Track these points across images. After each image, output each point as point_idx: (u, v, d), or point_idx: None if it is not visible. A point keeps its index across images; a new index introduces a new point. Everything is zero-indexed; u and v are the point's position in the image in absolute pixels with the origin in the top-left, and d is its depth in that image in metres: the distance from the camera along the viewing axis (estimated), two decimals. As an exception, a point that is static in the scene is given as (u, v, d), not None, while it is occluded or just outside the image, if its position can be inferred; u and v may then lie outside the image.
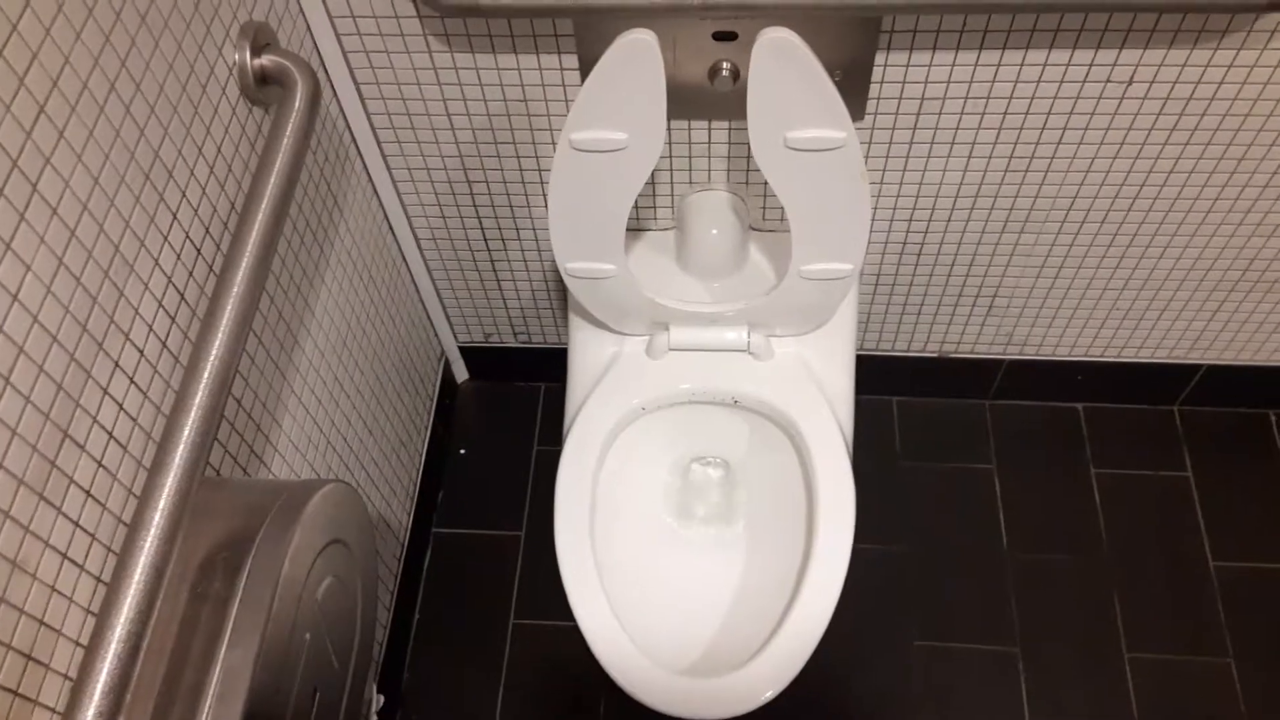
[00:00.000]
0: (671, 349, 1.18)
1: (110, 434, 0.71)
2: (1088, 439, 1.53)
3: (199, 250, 0.83)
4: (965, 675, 1.37)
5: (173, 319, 0.79)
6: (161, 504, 0.66)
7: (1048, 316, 1.38)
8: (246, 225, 0.81)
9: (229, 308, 0.77)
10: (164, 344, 0.78)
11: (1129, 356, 1.45)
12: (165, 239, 0.78)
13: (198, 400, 0.71)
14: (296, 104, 0.88)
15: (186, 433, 0.70)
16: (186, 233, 0.81)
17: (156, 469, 0.68)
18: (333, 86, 1.09)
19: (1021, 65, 1.02)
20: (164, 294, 0.78)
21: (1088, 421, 1.54)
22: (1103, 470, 1.50)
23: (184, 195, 0.81)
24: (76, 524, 0.67)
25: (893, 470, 1.53)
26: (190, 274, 0.82)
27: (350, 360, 1.20)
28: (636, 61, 0.88)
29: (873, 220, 1.24)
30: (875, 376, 1.51)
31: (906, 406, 1.57)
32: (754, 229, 1.26)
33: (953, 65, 1.03)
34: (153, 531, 0.66)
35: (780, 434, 1.18)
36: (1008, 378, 1.51)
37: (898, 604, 1.43)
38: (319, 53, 1.06)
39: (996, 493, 1.50)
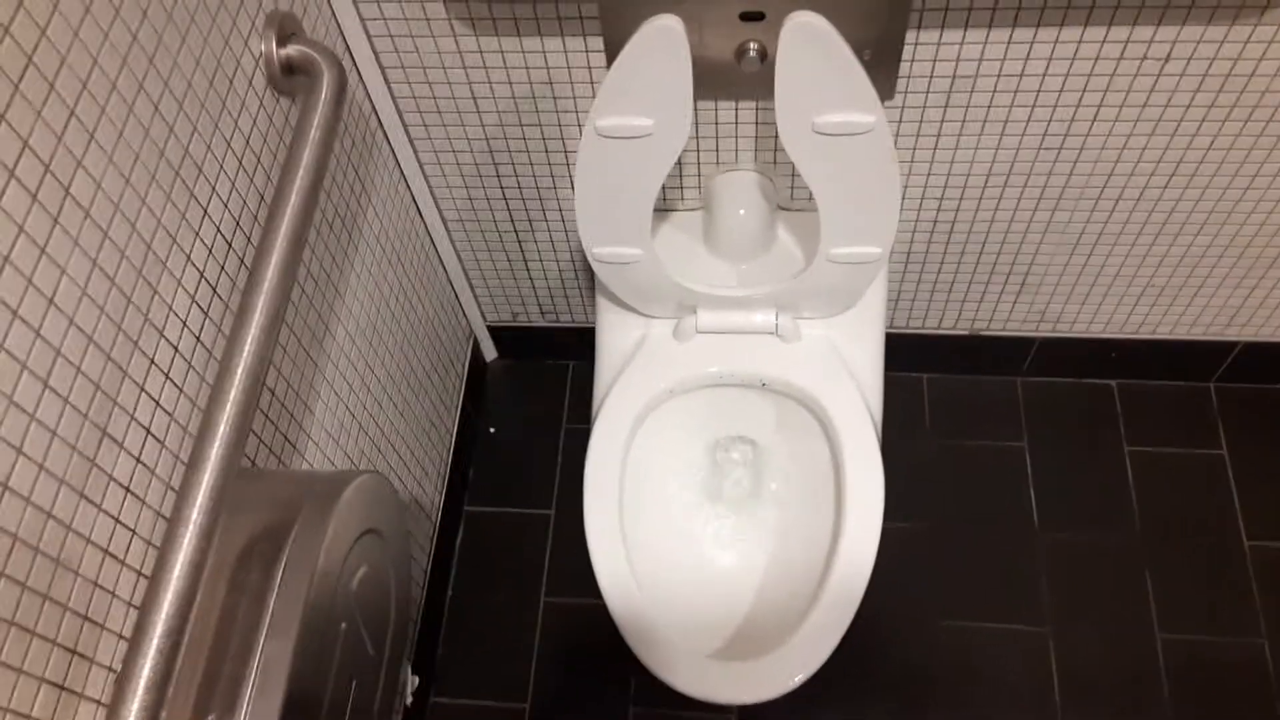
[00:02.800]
0: (699, 332, 1.18)
1: (148, 430, 0.72)
2: (1121, 416, 1.52)
3: (230, 244, 0.84)
4: (994, 655, 1.38)
5: (206, 313, 0.80)
6: (199, 500, 0.68)
7: (1081, 294, 1.37)
8: (276, 217, 0.81)
9: (261, 301, 0.77)
10: (198, 339, 0.79)
11: (1164, 333, 1.43)
12: (197, 234, 0.79)
13: (232, 395, 0.72)
14: (323, 94, 0.88)
15: (222, 429, 0.71)
16: (217, 227, 0.82)
17: (194, 465, 0.69)
18: (359, 73, 1.09)
19: (1056, 42, 1.00)
20: (196, 289, 0.79)
21: (1121, 399, 1.53)
22: (1136, 448, 1.49)
23: (214, 189, 0.81)
24: (117, 520, 0.69)
25: (923, 448, 1.52)
26: (222, 268, 0.83)
27: (380, 344, 1.21)
28: (662, 48, 0.87)
29: (902, 203, 1.22)
30: (906, 354, 1.50)
31: (937, 384, 1.56)
32: (782, 208, 1.25)
33: (985, 43, 1.01)
34: (191, 527, 0.67)
35: (808, 415, 1.18)
36: (1040, 355, 1.49)
37: (927, 582, 1.43)
38: (345, 40, 1.05)
39: (1028, 470, 1.49)
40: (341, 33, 1.05)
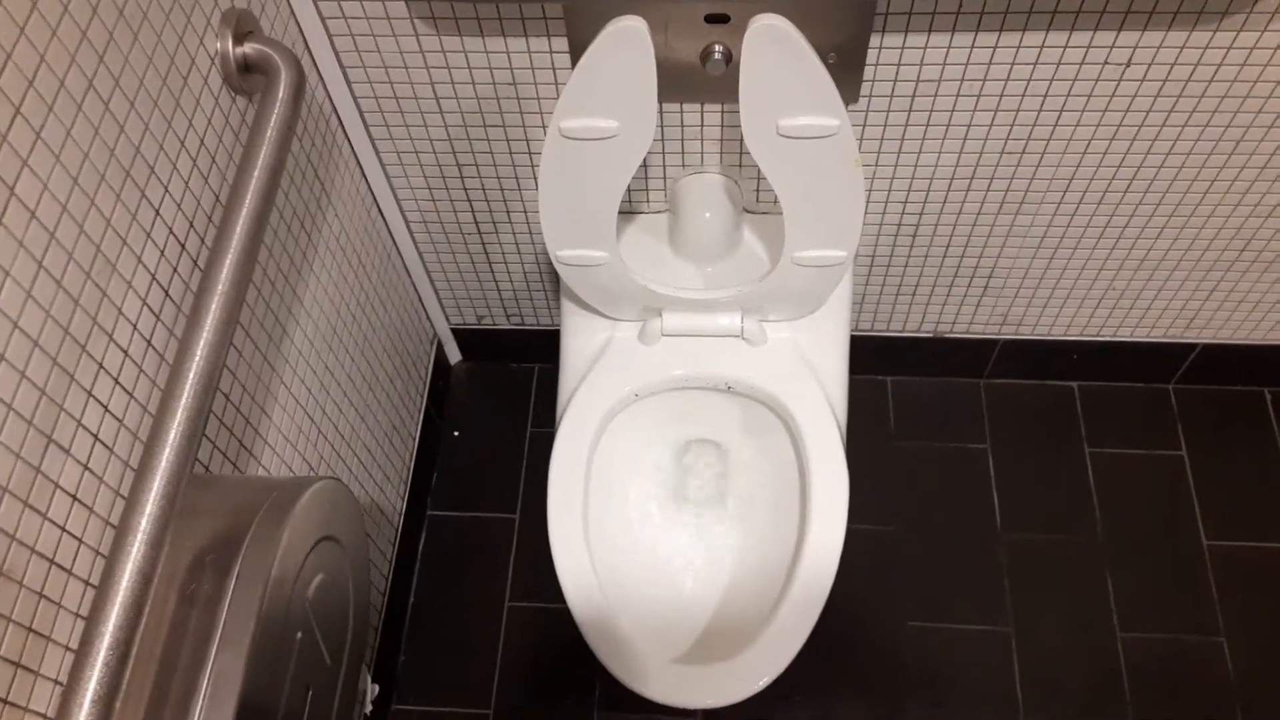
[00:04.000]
0: (664, 335, 1.17)
1: (96, 436, 0.70)
2: (1082, 418, 1.53)
3: (183, 245, 0.82)
4: (958, 655, 1.38)
5: (157, 317, 0.78)
6: (148, 508, 0.66)
7: (1044, 296, 1.38)
8: (231, 219, 0.80)
9: (214, 304, 0.75)
10: (149, 342, 0.77)
11: (1124, 336, 1.45)
12: (148, 236, 0.77)
13: (184, 400, 0.71)
14: (280, 93, 0.86)
15: (173, 435, 0.69)
16: (170, 229, 0.80)
17: (143, 472, 0.67)
18: (319, 71, 1.08)
19: (1018, 47, 1.01)
20: (148, 291, 0.77)
21: (1082, 400, 1.54)
22: (1097, 449, 1.51)
23: (166, 190, 0.79)
24: (63, 529, 0.67)
25: (886, 450, 1.53)
26: (175, 270, 0.81)
27: (341, 347, 1.19)
28: (626, 49, 0.87)
29: (867, 207, 1.22)
30: (870, 356, 1.51)
31: (901, 386, 1.57)
32: (748, 211, 1.25)
33: (949, 47, 1.01)
34: (140, 536, 0.65)
35: (773, 418, 1.18)
36: (1002, 357, 1.50)
37: (892, 584, 1.43)
38: (304, 37, 1.04)
39: (990, 472, 1.50)
40: (300, 31, 1.03)
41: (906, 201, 1.23)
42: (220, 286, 0.76)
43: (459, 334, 1.57)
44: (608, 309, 1.18)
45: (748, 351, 1.17)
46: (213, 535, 0.73)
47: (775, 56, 0.86)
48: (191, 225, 0.83)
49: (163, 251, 0.79)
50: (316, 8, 1.02)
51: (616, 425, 1.19)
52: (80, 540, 0.69)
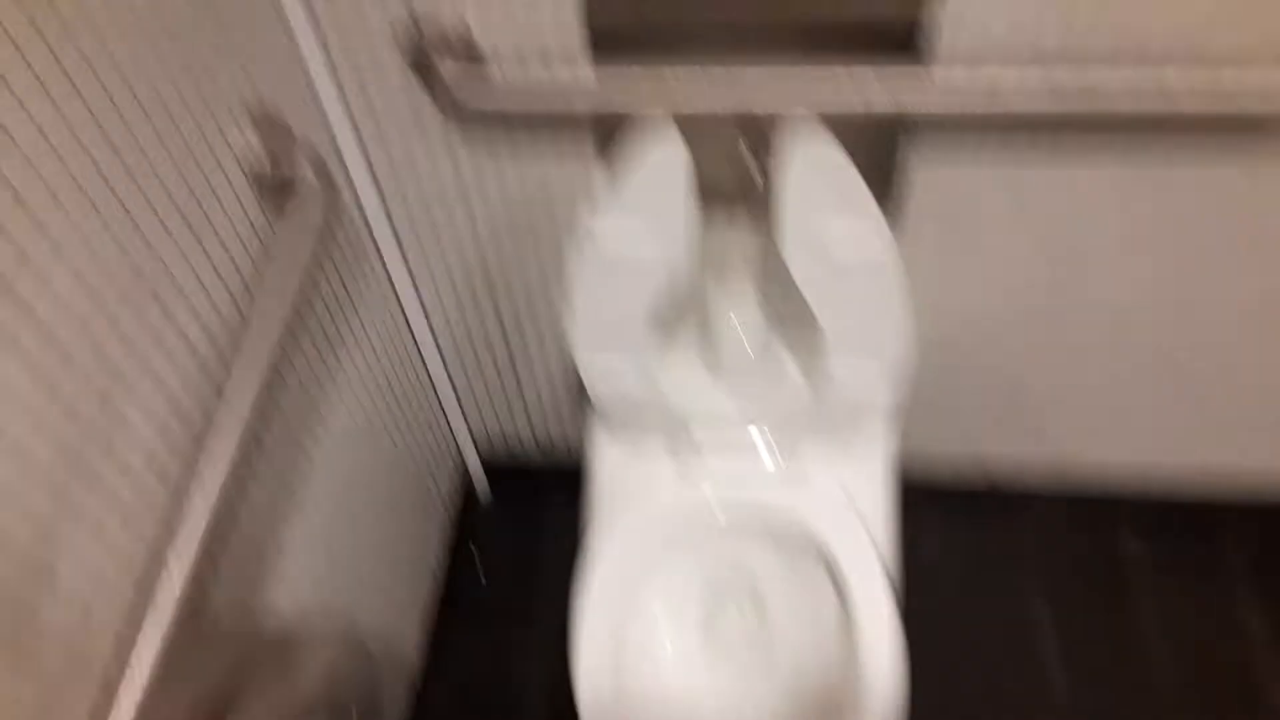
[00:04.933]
0: (696, 457, 1.11)
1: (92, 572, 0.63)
2: (1145, 570, 1.41)
3: (201, 376, 0.77)
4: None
5: (168, 448, 0.72)
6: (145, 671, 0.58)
7: (1102, 426, 1.29)
8: (251, 353, 0.75)
9: (226, 446, 0.71)
10: (158, 472, 0.71)
11: (1187, 481, 1.35)
12: (169, 358, 0.72)
13: (187, 548, 0.64)
14: (312, 217, 0.83)
15: (175, 580, 0.62)
16: (192, 349, 0.75)
17: (137, 625, 0.60)
18: (353, 186, 1.05)
19: (1070, 173, 0.96)
20: (156, 428, 0.71)
21: (1141, 551, 1.43)
22: (1159, 599, 1.38)
23: (193, 308, 0.75)
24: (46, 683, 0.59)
25: (929, 607, 1.41)
26: (181, 409, 0.76)
27: (362, 476, 1.13)
28: (662, 164, 0.83)
29: (913, 333, 1.16)
30: (910, 498, 1.42)
31: (945, 535, 1.46)
32: (782, 320, 1.19)
33: (993, 159, 0.97)
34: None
35: (815, 561, 1.09)
36: (1055, 502, 1.40)
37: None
38: (339, 152, 1.01)
39: (1044, 630, 1.38)
40: (336, 145, 1.01)
41: (948, 330, 1.16)
42: (233, 428, 0.71)
43: (489, 468, 1.50)
44: (638, 426, 1.12)
45: (786, 484, 1.10)
46: (209, 696, 0.65)
47: (814, 170, 0.82)
48: (207, 352, 0.79)
49: (178, 375, 0.74)
50: (354, 124, 1.00)
51: (647, 561, 1.11)
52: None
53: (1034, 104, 0.85)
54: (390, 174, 1.05)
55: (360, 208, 1.07)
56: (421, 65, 0.93)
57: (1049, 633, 1.38)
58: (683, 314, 1.20)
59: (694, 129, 0.95)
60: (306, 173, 0.85)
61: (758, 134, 0.95)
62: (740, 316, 1.12)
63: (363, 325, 1.10)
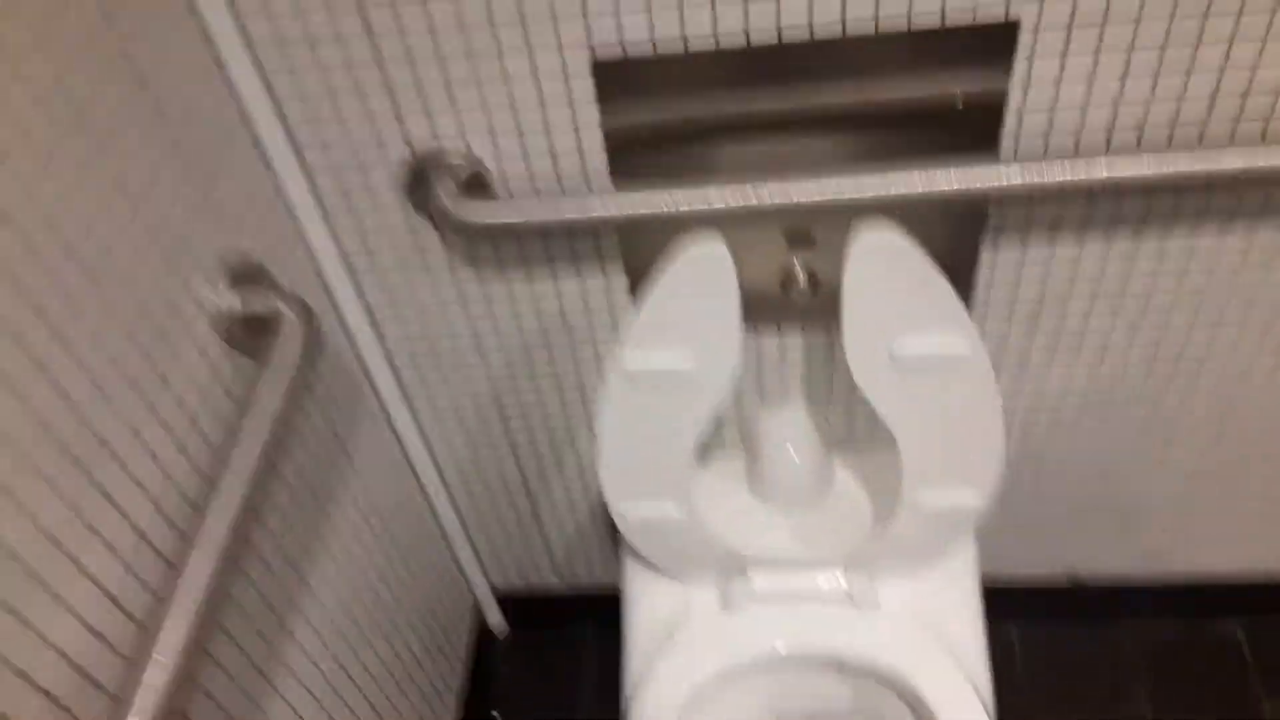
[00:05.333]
0: (753, 600, 0.97)
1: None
2: (1253, 668, 1.27)
3: (151, 543, 0.65)
4: None
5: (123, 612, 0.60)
6: None
7: (1198, 527, 1.16)
8: (217, 506, 0.63)
9: (191, 604, 0.58)
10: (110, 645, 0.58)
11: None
12: (123, 516, 0.60)
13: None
14: (288, 356, 0.72)
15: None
16: (154, 504, 0.63)
17: None
18: (341, 318, 0.94)
19: (1161, 252, 0.85)
20: (111, 588, 0.59)
21: (1252, 647, 1.28)
22: (1277, 701, 1.23)
23: (155, 459, 0.63)
24: None
25: None
26: (139, 578, 0.63)
27: (363, 618, 0.99)
28: (705, 276, 0.72)
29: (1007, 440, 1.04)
30: (992, 602, 1.27)
31: (1030, 638, 1.32)
32: (840, 446, 1.06)
33: (1079, 257, 0.86)
34: None
35: (898, 702, 0.95)
36: (1150, 598, 1.26)
37: None
38: (324, 281, 0.91)
39: (1154, 742, 1.23)
40: (320, 273, 0.90)
41: (1030, 425, 1.04)
42: (192, 594, 0.59)
43: (504, 600, 1.36)
44: (681, 572, 0.99)
45: (858, 617, 0.96)
46: None
47: (887, 272, 0.71)
48: (169, 514, 0.66)
49: (138, 538, 0.61)
50: (339, 247, 0.89)
51: (699, 715, 0.97)
52: None
53: (1127, 169, 0.74)
54: (387, 305, 0.94)
55: (353, 344, 0.96)
56: (420, 195, 0.83)
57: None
58: (729, 444, 1.08)
59: (734, 232, 0.85)
60: (286, 312, 0.74)
61: (805, 233, 0.84)
62: (797, 443, 1.00)
63: (354, 465, 0.98)
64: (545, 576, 1.31)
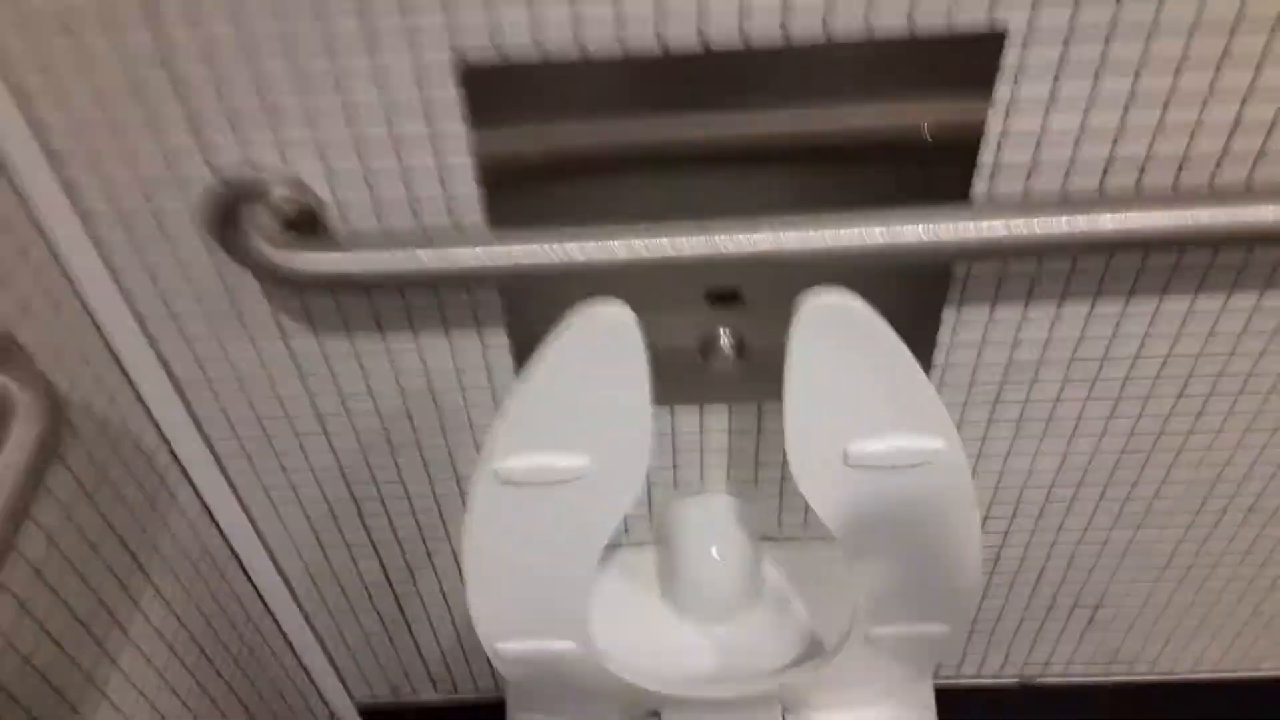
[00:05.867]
0: (668, 747, 0.78)
1: None
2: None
3: None
4: None
5: None
6: None
7: (1168, 628, 1.02)
8: None
9: None
10: None
11: (1271, 669, 1.08)
12: None
13: None
14: (16, 451, 0.51)
15: None
16: None
17: None
18: (137, 392, 0.72)
19: (1153, 315, 0.70)
20: None
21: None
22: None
23: None
24: None
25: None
26: None
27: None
28: (604, 354, 0.54)
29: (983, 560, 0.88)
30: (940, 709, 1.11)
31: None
32: (769, 539, 0.89)
33: (1054, 319, 0.71)
34: None
35: None
36: (1114, 704, 1.11)
37: None
38: (112, 350, 0.69)
39: None
40: (108, 343, 0.69)
41: (988, 516, 0.89)
42: None
43: (369, 714, 1.14)
44: (578, 714, 0.79)
45: (794, 769, 0.78)
46: None
47: (842, 350, 0.54)
48: None
49: None
50: (132, 310, 0.69)
51: None
52: None
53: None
54: (199, 378, 0.74)
55: (156, 425, 0.75)
56: (232, 237, 0.63)
57: None
58: (637, 534, 0.90)
59: (645, 288, 0.67)
60: (20, 395, 0.53)
61: (730, 291, 0.67)
62: (720, 541, 0.82)
63: (157, 580, 0.77)
64: (419, 686, 1.10)
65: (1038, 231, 0.58)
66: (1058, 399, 0.77)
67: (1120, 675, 1.07)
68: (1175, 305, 0.70)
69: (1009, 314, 0.70)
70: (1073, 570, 0.94)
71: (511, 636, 0.68)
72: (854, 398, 0.55)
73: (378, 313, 0.70)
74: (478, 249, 0.60)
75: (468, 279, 0.61)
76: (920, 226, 0.58)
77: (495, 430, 0.57)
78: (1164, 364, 0.74)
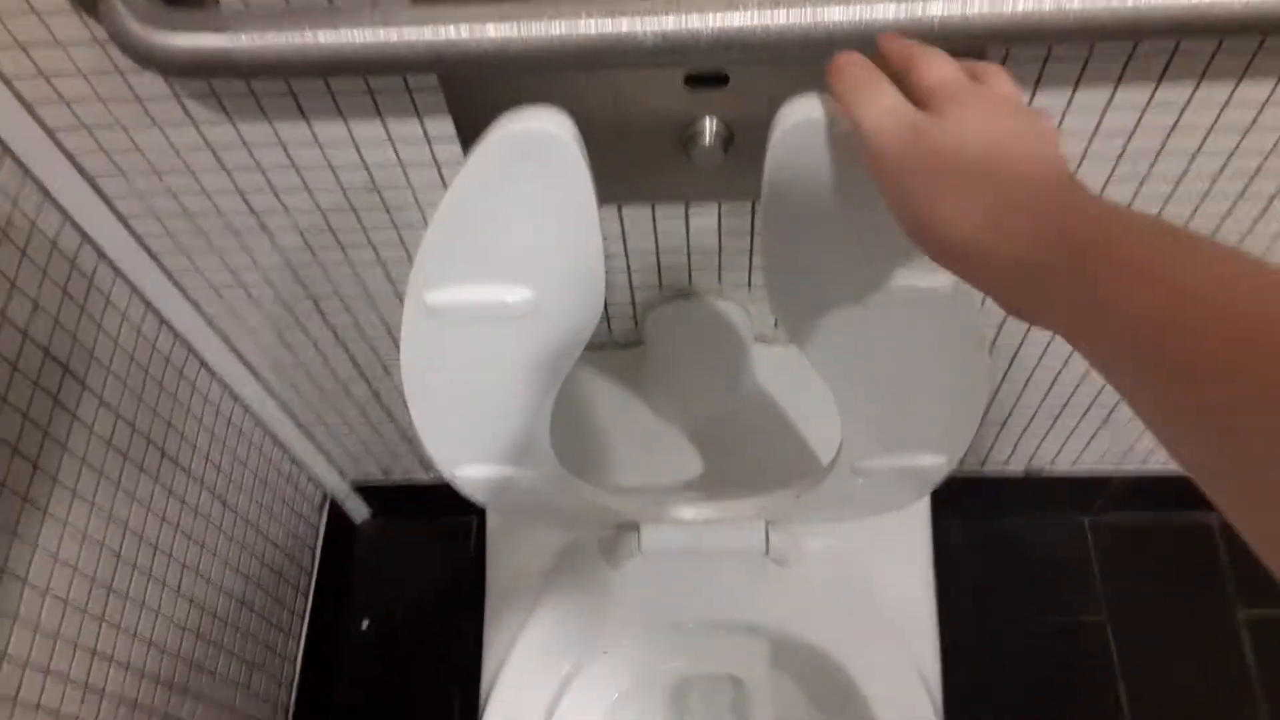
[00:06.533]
0: (644, 559, 0.75)
1: None
2: (1228, 565, 1.11)
3: None
4: None
5: None
6: None
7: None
8: None
9: None
10: None
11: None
12: None
13: None
14: None
15: None
16: None
17: None
18: (46, 191, 0.64)
19: (1151, 96, 0.58)
20: None
21: (1227, 541, 1.12)
22: (1252, 610, 1.09)
23: None
24: None
25: (970, 627, 1.10)
26: None
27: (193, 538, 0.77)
28: (534, 168, 0.44)
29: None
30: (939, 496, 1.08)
31: (980, 530, 1.14)
32: (761, 342, 0.82)
33: (1068, 104, 0.59)
34: None
35: (820, 672, 0.76)
36: (1118, 492, 1.07)
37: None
38: (1, 142, 0.60)
39: (1110, 649, 1.08)
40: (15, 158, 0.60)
41: (1004, 319, 0.80)
42: None
43: (365, 490, 1.14)
44: (550, 521, 0.76)
45: (776, 576, 0.75)
46: None
47: (822, 173, 0.43)
48: None
49: None
50: (19, 100, 0.59)
51: (577, 688, 0.78)
52: None
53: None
54: (109, 171, 0.65)
55: (77, 228, 0.67)
56: (102, 11, 0.51)
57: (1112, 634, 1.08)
58: (611, 328, 0.83)
59: (613, 70, 0.56)
60: None
61: (714, 72, 0.56)
62: (708, 346, 0.75)
63: (88, 387, 0.72)
64: (408, 467, 1.09)
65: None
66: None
67: (1131, 469, 1.02)
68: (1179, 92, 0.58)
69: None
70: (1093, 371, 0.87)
71: (468, 463, 0.63)
72: (840, 226, 0.46)
73: (300, 97, 0.60)
74: (387, 24, 0.49)
75: (379, 64, 0.50)
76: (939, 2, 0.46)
77: (419, 260, 0.49)
78: (1193, 159, 0.63)
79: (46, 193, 0.64)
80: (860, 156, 0.38)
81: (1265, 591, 1.10)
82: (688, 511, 0.70)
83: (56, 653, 0.67)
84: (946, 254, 0.35)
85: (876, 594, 0.74)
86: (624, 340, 0.83)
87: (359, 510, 1.16)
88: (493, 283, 0.49)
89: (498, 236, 0.47)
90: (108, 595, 0.72)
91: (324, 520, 1.10)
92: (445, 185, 0.66)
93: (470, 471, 0.64)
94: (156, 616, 0.78)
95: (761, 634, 0.77)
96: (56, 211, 0.66)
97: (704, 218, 0.69)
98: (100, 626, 0.71)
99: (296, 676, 1.04)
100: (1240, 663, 1.07)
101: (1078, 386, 0.89)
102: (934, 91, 0.36)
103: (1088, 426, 0.95)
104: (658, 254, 0.73)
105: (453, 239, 0.47)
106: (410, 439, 1.03)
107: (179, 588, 0.82)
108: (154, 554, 0.78)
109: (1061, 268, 0.31)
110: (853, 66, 0.37)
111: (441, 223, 0.47)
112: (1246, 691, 1.06)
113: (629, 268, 0.75)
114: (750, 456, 0.77)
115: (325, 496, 1.10)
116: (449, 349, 0.54)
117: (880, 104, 0.36)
